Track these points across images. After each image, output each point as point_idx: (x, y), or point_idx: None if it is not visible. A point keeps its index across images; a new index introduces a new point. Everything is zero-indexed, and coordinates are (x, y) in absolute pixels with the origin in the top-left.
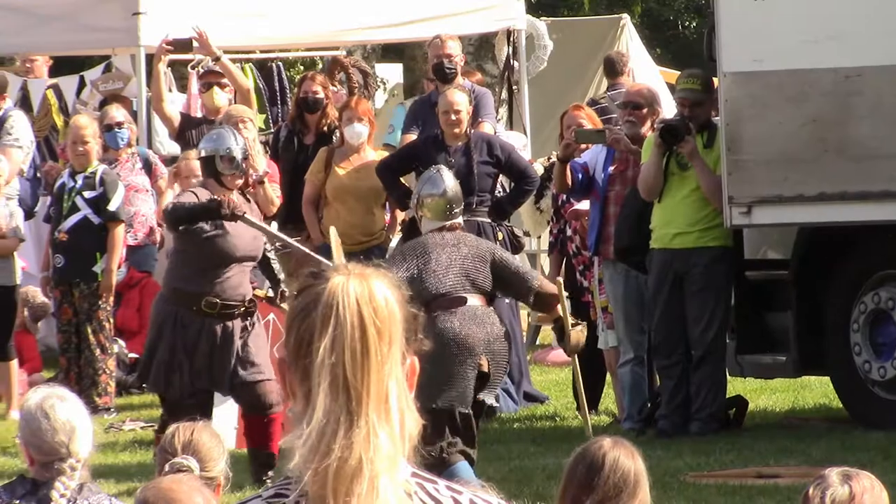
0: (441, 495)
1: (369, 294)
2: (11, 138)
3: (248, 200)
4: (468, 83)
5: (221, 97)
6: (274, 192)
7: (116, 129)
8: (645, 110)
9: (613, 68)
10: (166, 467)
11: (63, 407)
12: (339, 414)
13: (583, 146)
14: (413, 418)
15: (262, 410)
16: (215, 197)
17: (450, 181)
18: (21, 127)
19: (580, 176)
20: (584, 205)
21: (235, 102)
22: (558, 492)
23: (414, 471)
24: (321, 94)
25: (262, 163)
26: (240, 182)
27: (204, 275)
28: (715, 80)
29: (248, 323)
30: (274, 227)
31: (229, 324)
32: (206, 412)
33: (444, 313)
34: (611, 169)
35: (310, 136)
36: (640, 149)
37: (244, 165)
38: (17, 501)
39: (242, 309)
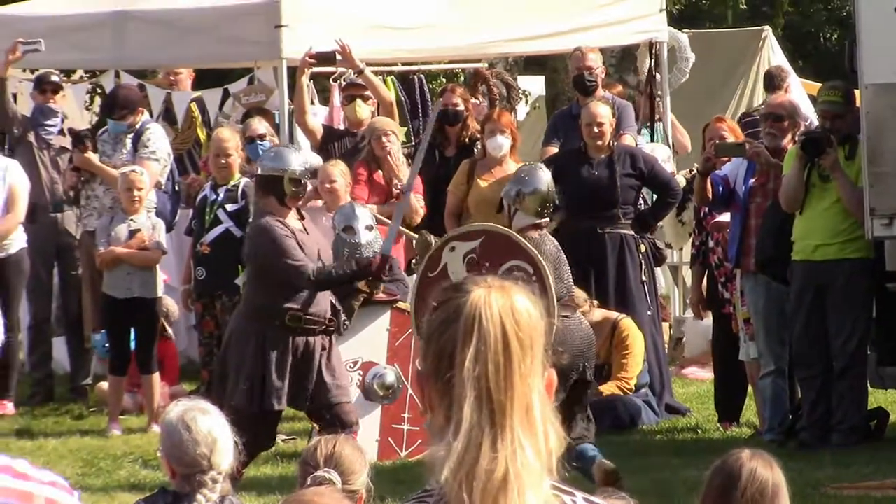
0: None
1: (512, 306)
2: (148, 151)
3: (303, 217)
4: (610, 95)
5: (364, 110)
6: (418, 203)
7: (259, 142)
8: (786, 122)
9: (772, 82)
10: (308, 480)
11: (204, 419)
12: (484, 427)
13: (723, 159)
14: (556, 432)
15: (343, 430)
16: (361, 258)
17: (549, 179)
18: (158, 139)
19: (721, 188)
20: (727, 217)
21: (378, 115)
22: None
23: (553, 483)
24: (461, 107)
25: (405, 173)
26: (299, 202)
27: (285, 290)
28: (856, 92)
29: (326, 341)
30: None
31: (311, 340)
32: (272, 428)
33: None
34: (751, 181)
35: (450, 149)
36: (780, 161)
37: (307, 185)
38: None
39: (323, 327)
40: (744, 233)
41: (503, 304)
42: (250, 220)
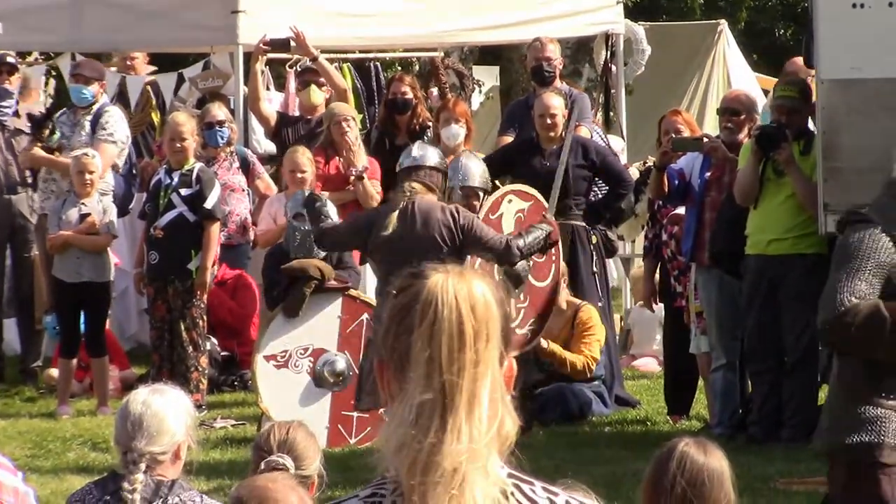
0: (538, 496)
1: (468, 292)
2: (106, 133)
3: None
4: (565, 87)
5: (318, 95)
6: (374, 188)
7: (217, 128)
8: (743, 116)
9: None
10: (262, 465)
11: (137, 401)
12: (431, 409)
13: (679, 153)
14: (511, 420)
15: None
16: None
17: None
18: (116, 122)
19: (676, 182)
20: (682, 210)
21: (332, 102)
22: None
23: (511, 472)
24: (410, 95)
25: (363, 159)
26: None
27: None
28: (812, 86)
29: None
30: None
31: None
32: None
33: None
34: (707, 175)
35: (401, 137)
36: (736, 156)
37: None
38: (108, 497)
39: None
40: (699, 226)
41: (460, 289)
42: (205, 204)
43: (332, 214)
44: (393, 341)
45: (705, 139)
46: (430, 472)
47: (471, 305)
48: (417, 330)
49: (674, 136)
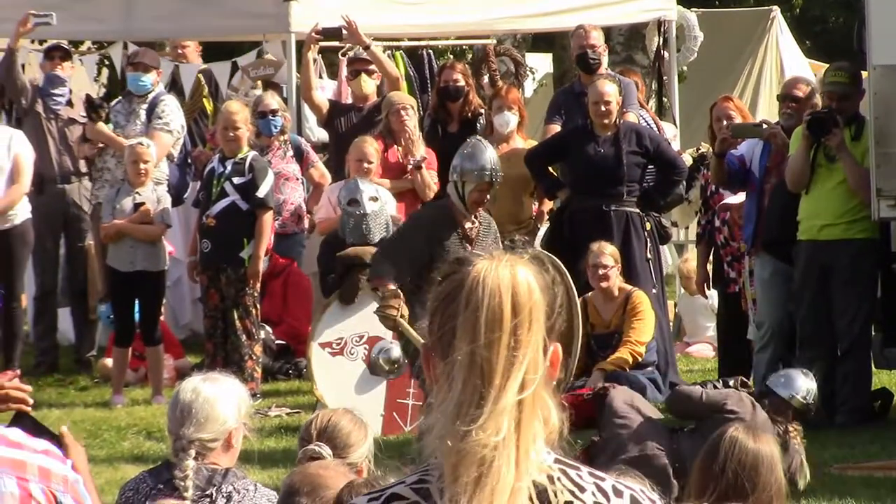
0: (584, 481)
1: (511, 279)
2: (161, 122)
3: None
4: (615, 74)
5: (369, 84)
6: (431, 178)
7: (271, 117)
8: (804, 104)
9: None
10: (299, 454)
11: (195, 389)
12: (472, 395)
13: (739, 139)
14: (556, 406)
15: None
16: None
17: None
18: (172, 111)
19: (736, 168)
20: (734, 198)
21: (384, 90)
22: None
23: (557, 457)
24: (462, 83)
25: (421, 149)
26: None
27: None
28: (864, 73)
29: None
30: None
31: None
32: None
33: None
34: (767, 162)
35: (453, 125)
36: None
37: None
38: (161, 486)
39: None
40: (759, 213)
41: (504, 276)
42: (257, 193)
43: (390, 201)
44: (437, 327)
45: (764, 125)
46: (471, 456)
47: (514, 293)
48: (461, 316)
49: (733, 122)
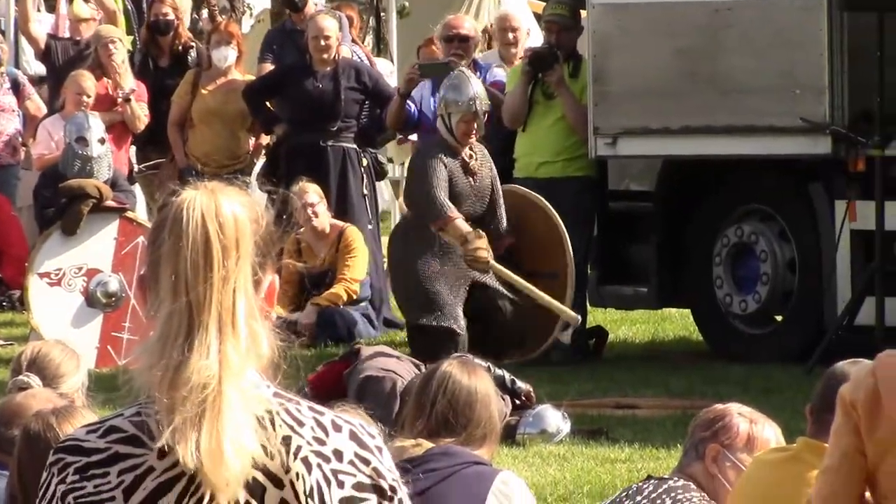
0: (303, 416)
1: (216, 209)
2: None
3: None
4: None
5: (84, 9)
6: (141, 110)
7: None
8: (471, 42)
9: None
10: (9, 385)
11: None
12: (178, 327)
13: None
14: (269, 337)
15: None
16: None
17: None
18: None
19: (412, 110)
20: None
21: (102, 24)
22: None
23: (277, 391)
24: (171, 16)
25: (130, 81)
26: None
27: None
28: (582, 11)
29: None
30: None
31: None
32: None
33: None
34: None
35: (164, 59)
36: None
37: None
38: None
39: None
40: None
41: (207, 205)
42: None
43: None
44: (149, 258)
45: (452, 62)
46: (178, 387)
47: (219, 222)
48: (165, 245)
49: (420, 62)
